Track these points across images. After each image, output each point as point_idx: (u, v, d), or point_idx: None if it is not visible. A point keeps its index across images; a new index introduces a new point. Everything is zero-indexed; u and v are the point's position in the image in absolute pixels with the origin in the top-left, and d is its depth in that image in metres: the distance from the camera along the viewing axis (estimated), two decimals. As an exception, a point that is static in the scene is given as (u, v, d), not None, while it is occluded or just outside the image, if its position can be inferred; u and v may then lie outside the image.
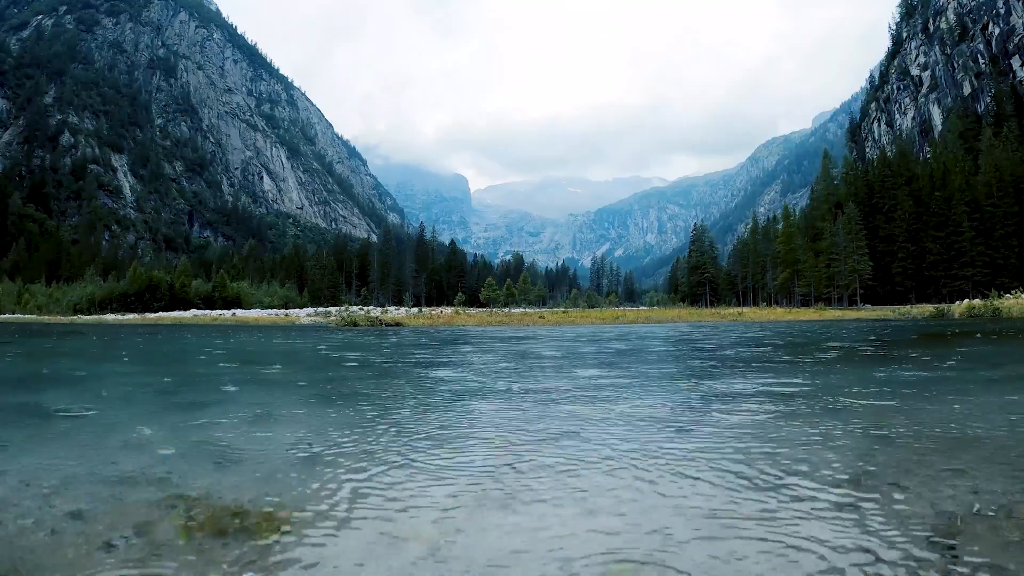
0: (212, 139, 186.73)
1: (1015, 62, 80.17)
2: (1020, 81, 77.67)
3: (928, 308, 29.44)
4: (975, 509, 1.59)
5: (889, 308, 38.47)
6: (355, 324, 20.87)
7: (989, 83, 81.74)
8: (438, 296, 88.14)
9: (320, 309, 43.88)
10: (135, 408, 3.74)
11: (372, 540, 1.43)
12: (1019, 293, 26.31)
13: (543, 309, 56.50)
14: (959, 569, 1.23)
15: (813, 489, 1.81)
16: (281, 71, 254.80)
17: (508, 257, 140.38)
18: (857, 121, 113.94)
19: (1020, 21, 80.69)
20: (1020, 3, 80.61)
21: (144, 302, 52.80)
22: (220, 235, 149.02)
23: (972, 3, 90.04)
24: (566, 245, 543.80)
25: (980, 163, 56.15)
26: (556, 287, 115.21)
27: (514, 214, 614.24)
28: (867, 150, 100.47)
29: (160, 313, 42.89)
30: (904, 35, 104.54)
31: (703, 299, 74.12)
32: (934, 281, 53.09)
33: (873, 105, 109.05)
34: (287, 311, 44.01)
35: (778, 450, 2.33)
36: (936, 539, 1.39)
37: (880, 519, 1.53)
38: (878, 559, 1.29)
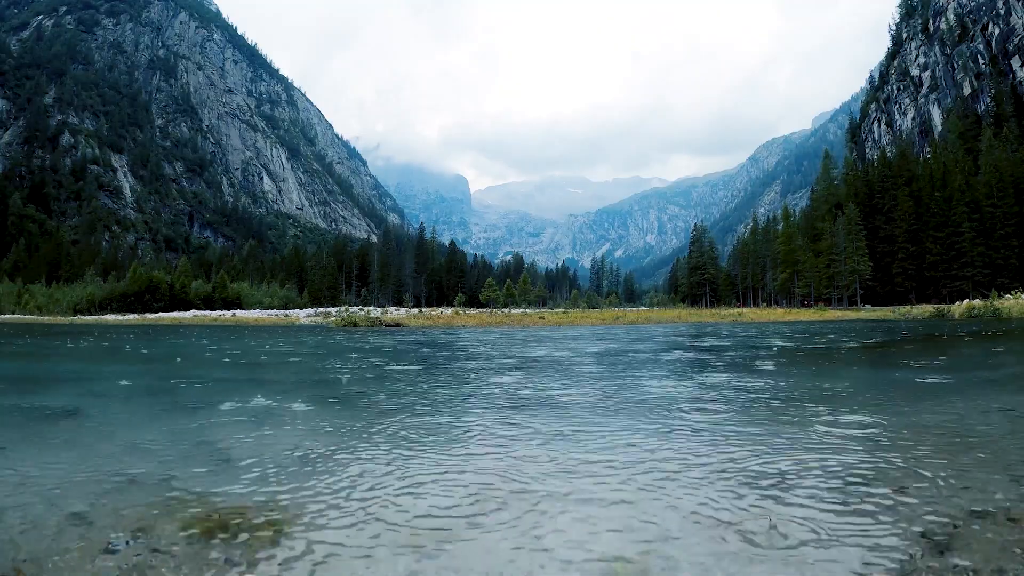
0: (212, 139, 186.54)
1: (1015, 62, 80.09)
2: (1020, 81, 77.62)
3: (928, 308, 29.40)
4: (975, 510, 1.59)
5: (889, 309, 38.44)
6: (355, 325, 20.86)
7: (989, 83, 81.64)
8: (438, 297, 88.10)
9: (320, 310, 43.89)
10: (136, 409, 3.73)
11: (372, 541, 1.43)
12: (1019, 293, 26.28)
13: (543, 310, 56.52)
14: (959, 570, 1.24)
15: (814, 490, 1.81)
16: (281, 71, 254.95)
17: (508, 258, 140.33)
18: (857, 121, 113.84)
19: (1020, 21, 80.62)
20: (1020, 3, 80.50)
21: (144, 302, 52.75)
22: (220, 236, 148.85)
23: (972, 3, 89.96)
24: (566, 246, 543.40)
25: (980, 163, 56.08)
26: (556, 288, 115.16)
27: (514, 215, 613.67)
28: (867, 150, 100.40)
29: (160, 313, 42.88)
30: (904, 35, 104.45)
31: (703, 299, 74.11)
32: (934, 281, 53.02)
33: (873, 105, 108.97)
34: (287, 312, 44.00)
35: (779, 450, 2.33)
36: (937, 540, 1.39)
37: (881, 520, 1.54)
38: (879, 560, 1.29)
